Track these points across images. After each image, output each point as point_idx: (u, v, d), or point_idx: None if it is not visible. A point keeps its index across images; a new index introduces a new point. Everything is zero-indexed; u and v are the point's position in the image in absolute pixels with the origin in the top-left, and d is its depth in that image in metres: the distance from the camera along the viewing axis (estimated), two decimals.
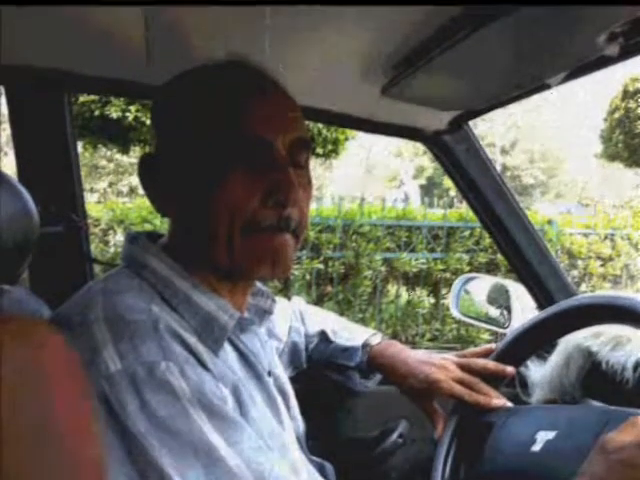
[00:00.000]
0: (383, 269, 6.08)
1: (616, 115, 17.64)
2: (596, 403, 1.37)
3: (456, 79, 1.20)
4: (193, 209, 0.92)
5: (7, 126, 1.38)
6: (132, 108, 8.06)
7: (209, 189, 0.89)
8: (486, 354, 1.34)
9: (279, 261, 0.93)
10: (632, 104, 17.17)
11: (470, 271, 5.97)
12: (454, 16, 0.93)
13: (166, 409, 0.74)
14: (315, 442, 1.21)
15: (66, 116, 1.43)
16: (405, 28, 1.01)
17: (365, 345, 1.39)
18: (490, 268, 6.27)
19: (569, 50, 0.98)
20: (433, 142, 1.66)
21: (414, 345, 5.83)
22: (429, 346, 6.02)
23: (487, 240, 6.13)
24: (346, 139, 9.72)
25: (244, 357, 0.97)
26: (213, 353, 0.88)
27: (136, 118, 8.17)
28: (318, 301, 5.84)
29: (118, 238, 5.86)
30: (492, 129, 35.28)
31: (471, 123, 1.60)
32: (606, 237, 7.14)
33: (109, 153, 17.61)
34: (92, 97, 7.86)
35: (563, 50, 0.98)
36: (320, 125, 8.23)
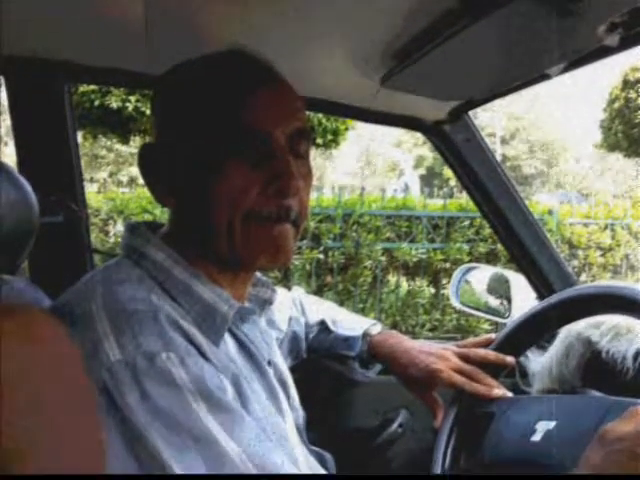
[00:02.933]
0: (383, 259, 6.07)
1: (616, 105, 17.63)
2: (596, 393, 1.37)
3: (456, 69, 1.20)
4: (193, 199, 0.92)
5: (7, 116, 1.38)
6: (132, 98, 8.07)
7: (209, 179, 0.89)
8: (486, 344, 1.34)
9: (279, 251, 0.93)
10: (632, 94, 17.15)
11: (470, 261, 5.96)
12: (454, 6, 0.93)
13: (166, 399, 0.75)
14: (315, 432, 1.22)
15: (66, 106, 1.43)
16: (405, 18, 1.00)
17: (365, 335, 1.39)
18: (490, 258, 6.25)
19: (569, 40, 0.98)
20: (433, 132, 1.66)
21: (414, 335, 5.84)
22: (429, 336, 6.02)
23: (487, 230, 6.11)
24: (346, 129, 9.73)
25: (244, 347, 0.98)
26: (213, 343, 0.88)
27: (136, 108, 8.18)
28: (318, 291, 5.84)
29: (118, 228, 5.86)
30: (492, 119, 35.21)
31: (471, 113, 1.59)
32: (606, 227, 7.12)
33: (109, 143, 17.61)
34: (92, 87, 7.85)
35: (563, 40, 0.98)
36: (320, 115, 8.22)
